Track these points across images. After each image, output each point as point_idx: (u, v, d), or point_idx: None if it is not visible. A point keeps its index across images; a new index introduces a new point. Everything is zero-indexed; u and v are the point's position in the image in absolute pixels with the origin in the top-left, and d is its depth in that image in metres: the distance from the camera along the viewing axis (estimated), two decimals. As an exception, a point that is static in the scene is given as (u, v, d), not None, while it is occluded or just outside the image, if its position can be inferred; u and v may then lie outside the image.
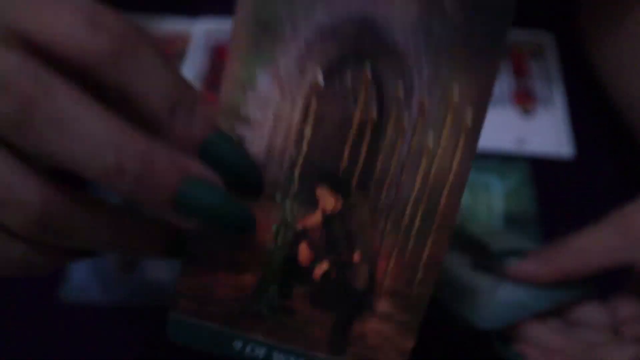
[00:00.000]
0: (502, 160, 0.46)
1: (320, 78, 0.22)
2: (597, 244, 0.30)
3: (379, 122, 0.23)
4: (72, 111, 0.18)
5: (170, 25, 0.51)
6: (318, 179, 0.23)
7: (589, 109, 0.46)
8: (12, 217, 0.19)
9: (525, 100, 0.49)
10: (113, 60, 0.19)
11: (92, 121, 0.18)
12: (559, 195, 0.46)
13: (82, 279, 0.41)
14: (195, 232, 0.23)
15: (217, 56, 0.50)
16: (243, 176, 0.22)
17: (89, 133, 0.18)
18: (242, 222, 0.21)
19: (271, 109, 0.22)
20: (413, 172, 0.23)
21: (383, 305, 0.24)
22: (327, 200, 0.23)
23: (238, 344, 0.24)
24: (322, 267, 0.24)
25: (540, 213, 0.45)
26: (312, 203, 0.23)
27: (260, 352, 0.24)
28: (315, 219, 0.23)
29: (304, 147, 0.23)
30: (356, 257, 0.24)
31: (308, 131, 0.23)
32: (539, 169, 0.44)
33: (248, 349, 0.24)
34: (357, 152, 0.23)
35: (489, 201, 0.45)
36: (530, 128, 0.47)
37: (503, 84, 0.50)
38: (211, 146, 0.21)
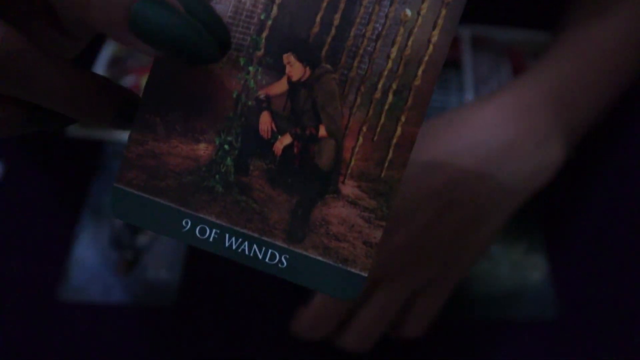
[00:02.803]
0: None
1: None
2: None
3: None
4: None
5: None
6: (286, 45, 0.21)
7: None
8: None
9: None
10: None
11: None
12: (558, 193, 0.45)
13: (82, 279, 0.42)
14: (147, 91, 0.21)
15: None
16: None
17: None
18: (203, 47, 0.19)
19: None
20: (389, 43, 0.21)
21: (349, 189, 0.22)
22: (294, 68, 0.21)
23: (187, 224, 0.22)
24: (283, 141, 0.22)
25: (540, 210, 0.44)
26: (277, 70, 0.21)
27: (211, 234, 0.22)
28: (280, 87, 0.21)
29: (274, 11, 0.21)
30: (322, 131, 0.21)
31: None
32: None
33: (198, 230, 0.22)
34: (330, 19, 0.21)
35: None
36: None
37: (503, 84, 0.48)
38: None
